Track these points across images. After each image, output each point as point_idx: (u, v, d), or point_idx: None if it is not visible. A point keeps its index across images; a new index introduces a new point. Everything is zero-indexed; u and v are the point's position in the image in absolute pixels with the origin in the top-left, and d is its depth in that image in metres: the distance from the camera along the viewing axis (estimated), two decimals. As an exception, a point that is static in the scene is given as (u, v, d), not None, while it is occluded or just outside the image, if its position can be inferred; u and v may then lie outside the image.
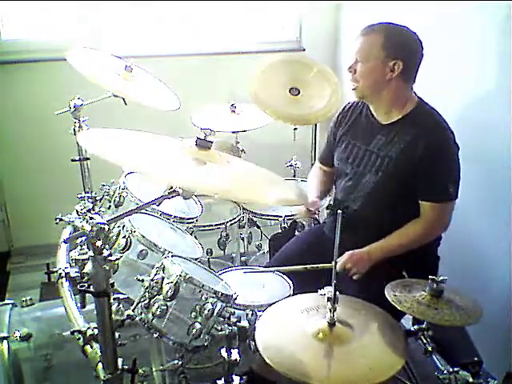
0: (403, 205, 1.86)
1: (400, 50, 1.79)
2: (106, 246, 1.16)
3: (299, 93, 2.68)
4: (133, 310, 1.45)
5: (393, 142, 1.85)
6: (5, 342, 1.56)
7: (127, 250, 1.61)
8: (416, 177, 1.80)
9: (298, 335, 1.31)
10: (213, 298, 1.45)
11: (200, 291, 1.44)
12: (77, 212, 2.05)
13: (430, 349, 1.43)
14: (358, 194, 1.94)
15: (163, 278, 1.45)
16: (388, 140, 1.87)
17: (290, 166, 2.89)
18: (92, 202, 2.10)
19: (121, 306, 1.49)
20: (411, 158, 1.79)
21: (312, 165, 3.02)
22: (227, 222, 2.37)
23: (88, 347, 1.34)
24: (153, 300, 1.43)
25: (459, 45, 2.29)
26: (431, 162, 1.78)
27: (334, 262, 1.36)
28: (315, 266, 1.82)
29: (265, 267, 2.03)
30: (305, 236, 2.23)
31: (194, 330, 1.43)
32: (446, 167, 1.81)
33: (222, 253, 2.43)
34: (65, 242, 1.88)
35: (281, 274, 1.86)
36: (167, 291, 1.42)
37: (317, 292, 1.38)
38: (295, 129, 2.86)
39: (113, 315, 1.24)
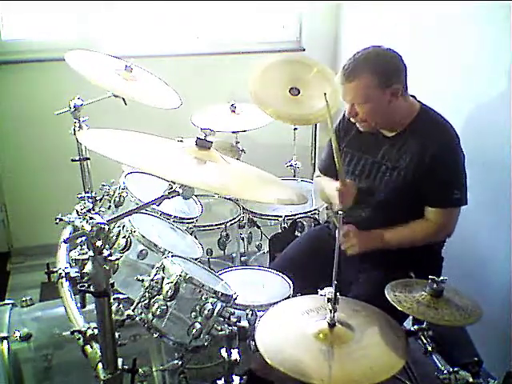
0: (412, 212, 1.86)
1: (392, 74, 1.78)
2: (106, 246, 1.16)
3: (299, 93, 2.68)
4: (133, 310, 1.45)
5: (400, 153, 1.85)
6: (5, 342, 1.56)
7: (127, 250, 1.61)
8: (424, 184, 1.80)
9: (298, 336, 1.31)
10: (213, 298, 1.45)
11: (200, 291, 1.44)
12: (77, 212, 2.04)
13: (430, 349, 1.43)
14: (368, 205, 1.93)
15: (163, 278, 1.44)
16: (395, 151, 1.86)
17: (290, 166, 2.89)
18: (92, 202, 2.09)
19: (121, 306, 1.49)
20: (420, 167, 1.80)
21: (312, 165, 3.05)
22: (227, 222, 2.37)
23: (88, 347, 1.33)
24: (153, 300, 1.43)
25: (459, 45, 2.29)
26: (439, 170, 1.78)
27: (335, 264, 1.36)
28: None
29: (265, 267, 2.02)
30: (307, 237, 2.23)
31: (194, 330, 1.43)
32: (454, 173, 1.82)
33: (222, 253, 2.43)
34: (65, 241, 1.87)
35: (281, 274, 1.86)
36: (167, 291, 1.42)
37: (317, 293, 1.38)
38: (295, 129, 2.87)
39: (113, 315, 1.23)
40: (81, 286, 1.21)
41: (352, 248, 1.84)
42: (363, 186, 1.94)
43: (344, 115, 2.06)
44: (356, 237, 1.85)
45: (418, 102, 1.89)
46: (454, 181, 1.82)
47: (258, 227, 2.50)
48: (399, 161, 1.85)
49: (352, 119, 1.88)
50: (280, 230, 2.38)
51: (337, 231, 1.39)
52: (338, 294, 1.30)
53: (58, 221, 1.97)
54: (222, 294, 1.47)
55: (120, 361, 1.27)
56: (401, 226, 1.87)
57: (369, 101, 1.79)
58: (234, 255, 2.70)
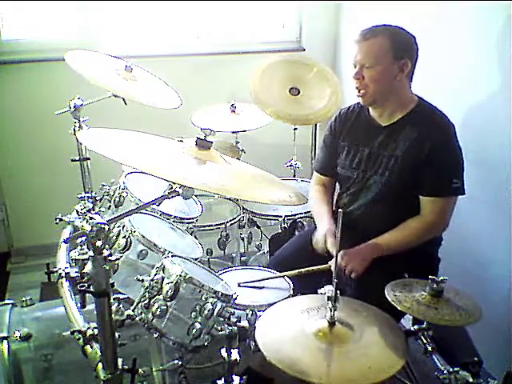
0: (410, 202, 1.86)
1: (406, 48, 1.80)
2: (106, 246, 1.16)
3: (299, 93, 2.69)
4: (133, 310, 1.45)
5: (397, 141, 1.85)
6: (5, 342, 1.56)
7: (127, 249, 1.61)
8: (421, 173, 1.81)
9: (298, 334, 1.31)
10: (213, 298, 1.45)
11: (200, 291, 1.44)
12: (77, 212, 2.04)
13: (430, 349, 1.43)
14: (365, 196, 1.94)
15: (163, 278, 1.45)
16: (391, 140, 1.87)
17: (290, 166, 2.89)
18: (92, 202, 2.09)
19: (121, 306, 1.48)
20: (418, 156, 1.80)
21: (312, 165, 3.05)
22: (227, 222, 2.37)
23: (88, 347, 1.33)
24: (153, 300, 1.43)
25: (459, 45, 2.29)
26: (437, 158, 1.78)
27: (333, 262, 1.36)
28: (310, 269, 1.81)
29: (264, 267, 2.02)
30: (305, 235, 2.22)
31: (194, 330, 1.43)
32: (453, 162, 1.82)
33: (222, 253, 2.43)
34: (65, 242, 1.88)
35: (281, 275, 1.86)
36: (167, 291, 1.42)
37: (316, 292, 1.38)
38: (295, 129, 2.87)
39: (113, 315, 1.24)
40: (81, 286, 1.21)
41: (354, 272, 1.81)
42: (361, 178, 1.95)
43: (339, 113, 2.07)
44: (351, 261, 1.81)
45: (417, 96, 1.89)
46: (453, 169, 1.81)
47: (258, 227, 2.50)
48: (395, 149, 1.85)
49: (356, 83, 1.85)
50: (280, 230, 2.38)
51: (337, 229, 1.39)
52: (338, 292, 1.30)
53: (57, 221, 1.97)
54: (222, 293, 1.47)
55: (120, 361, 1.27)
56: (394, 229, 1.86)
57: (378, 64, 1.78)
58: (234, 255, 2.70)
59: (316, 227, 2.00)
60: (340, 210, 1.32)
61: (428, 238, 1.88)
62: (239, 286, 1.79)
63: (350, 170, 1.98)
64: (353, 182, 1.99)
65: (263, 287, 1.82)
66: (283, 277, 1.84)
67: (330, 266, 1.75)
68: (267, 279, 1.85)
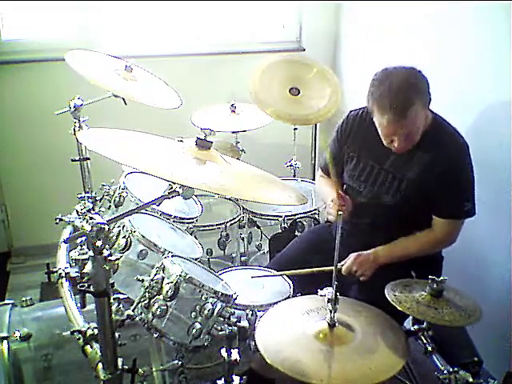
0: (418, 220, 1.86)
1: (428, 91, 1.75)
2: (106, 246, 1.16)
3: (299, 93, 2.69)
4: (133, 310, 1.45)
5: (410, 163, 1.83)
6: (5, 342, 1.56)
7: (127, 250, 1.61)
8: (433, 195, 1.80)
9: (298, 336, 1.31)
10: (213, 297, 1.45)
11: (200, 291, 1.44)
12: (77, 212, 2.04)
13: (430, 349, 1.44)
14: (374, 212, 1.92)
15: (163, 278, 1.45)
16: (404, 160, 1.84)
17: (290, 166, 2.89)
18: (92, 202, 2.10)
19: (121, 306, 1.49)
20: (430, 179, 1.79)
21: (312, 165, 3.06)
22: (227, 222, 2.37)
23: (88, 347, 1.34)
24: (153, 300, 1.43)
25: (459, 45, 2.29)
26: (449, 182, 1.77)
27: (334, 264, 1.36)
28: (319, 269, 1.80)
29: (266, 267, 2.02)
30: (307, 236, 2.22)
31: (194, 330, 1.43)
32: (464, 186, 1.81)
33: (222, 253, 2.43)
34: (65, 242, 1.88)
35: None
36: (167, 291, 1.42)
37: (317, 293, 1.38)
38: (295, 129, 2.86)
39: (113, 315, 1.24)
40: (81, 286, 1.21)
41: (364, 276, 1.82)
42: (368, 192, 1.93)
43: (348, 116, 2.01)
44: (363, 265, 1.82)
45: (430, 111, 1.84)
46: (464, 193, 1.81)
47: (258, 227, 2.50)
48: (408, 172, 1.83)
49: (398, 149, 1.79)
50: (280, 230, 2.38)
51: (337, 231, 1.39)
52: (338, 294, 1.30)
53: (57, 221, 1.97)
54: (222, 293, 1.47)
55: (120, 361, 1.27)
56: (405, 239, 1.86)
57: (420, 124, 1.74)
58: (234, 255, 2.70)
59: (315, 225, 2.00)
60: (340, 212, 1.31)
61: (435, 251, 1.92)
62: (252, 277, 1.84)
63: (358, 182, 1.94)
64: (360, 195, 1.95)
65: (263, 286, 1.82)
66: (292, 275, 1.84)
67: (339, 268, 1.74)
68: (279, 275, 1.86)
